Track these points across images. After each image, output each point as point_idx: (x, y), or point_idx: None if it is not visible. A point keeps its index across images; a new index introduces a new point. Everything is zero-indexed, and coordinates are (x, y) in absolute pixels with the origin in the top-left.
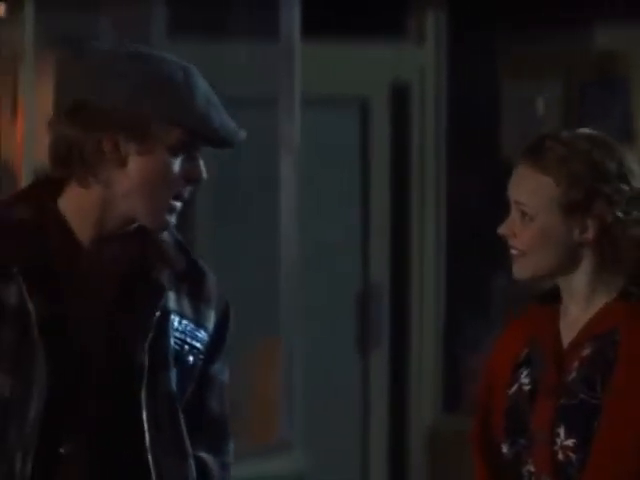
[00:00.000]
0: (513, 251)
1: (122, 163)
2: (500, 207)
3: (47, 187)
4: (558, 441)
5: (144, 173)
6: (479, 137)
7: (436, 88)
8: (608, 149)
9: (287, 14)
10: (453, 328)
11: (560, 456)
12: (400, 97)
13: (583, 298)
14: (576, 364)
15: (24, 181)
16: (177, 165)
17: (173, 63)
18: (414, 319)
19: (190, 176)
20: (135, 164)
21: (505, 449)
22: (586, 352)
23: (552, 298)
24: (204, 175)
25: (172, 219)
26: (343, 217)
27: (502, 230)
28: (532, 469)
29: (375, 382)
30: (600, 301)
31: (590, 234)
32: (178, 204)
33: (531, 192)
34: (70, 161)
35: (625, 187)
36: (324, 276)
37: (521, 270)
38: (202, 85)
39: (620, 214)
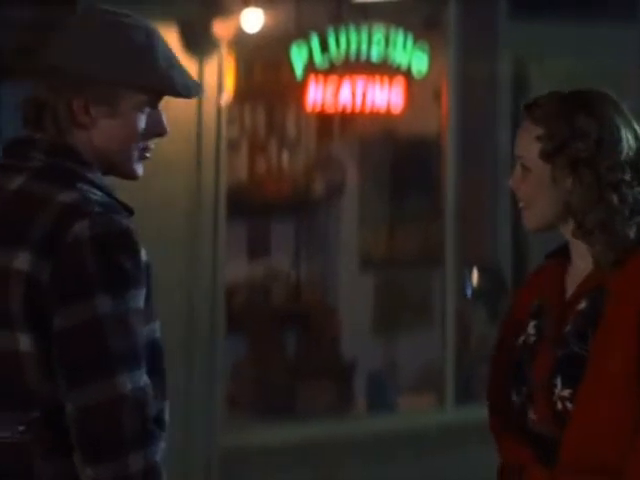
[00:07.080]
0: (520, 204)
1: (92, 124)
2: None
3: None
4: (556, 391)
5: (114, 132)
6: None
7: None
8: (593, 109)
9: None
10: None
11: (559, 406)
12: None
13: (585, 252)
14: (572, 317)
15: None
16: (142, 121)
17: (138, 27)
18: None
19: (155, 130)
20: (105, 124)
21: (513, 397)
22: (582, 306)
23: (563, 254)
24: (167, 129)
25: (140, 169)
26: None
27: (510, 184)
28: (534, 417)
29: None
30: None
31: (569, 185)
32: (147, 155)
33: (526, 144)
34: (42, 121)
35: (606, 148)
36: None
37: (527, 222)
38: (162, 46)
39: (595, 171)
